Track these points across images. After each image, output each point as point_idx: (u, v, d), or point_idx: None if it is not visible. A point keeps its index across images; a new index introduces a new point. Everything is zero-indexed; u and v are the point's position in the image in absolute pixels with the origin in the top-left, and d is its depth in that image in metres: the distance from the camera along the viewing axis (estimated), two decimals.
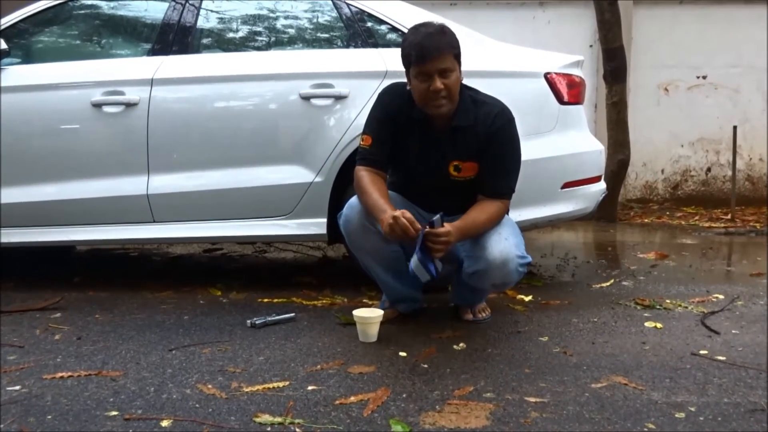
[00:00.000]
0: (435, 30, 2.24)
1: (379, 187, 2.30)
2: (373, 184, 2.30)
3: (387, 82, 2.74)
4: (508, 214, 2.44)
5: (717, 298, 3.01)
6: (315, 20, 3.28)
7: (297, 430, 1.62)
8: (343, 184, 2.97)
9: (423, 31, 2.24)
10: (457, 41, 2.28)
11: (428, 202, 2.48)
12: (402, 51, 2.29)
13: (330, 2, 3.21)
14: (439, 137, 2.37)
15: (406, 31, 2.83)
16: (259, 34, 3.30)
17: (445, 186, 2.42)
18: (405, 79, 2.35)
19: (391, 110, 2.37)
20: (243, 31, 3.30)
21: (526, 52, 3.28)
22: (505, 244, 2.25)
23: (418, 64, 2.23)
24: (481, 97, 2.40)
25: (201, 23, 3.21)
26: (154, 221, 3.06)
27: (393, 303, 2.60)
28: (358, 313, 2.34)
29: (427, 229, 2.13)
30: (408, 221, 2.09)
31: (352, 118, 2.95)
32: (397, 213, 2.11)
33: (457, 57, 2.27)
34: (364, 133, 2.40)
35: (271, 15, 3.30)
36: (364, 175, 2.33)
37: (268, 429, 1.63)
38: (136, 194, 3.03)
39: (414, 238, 2.12)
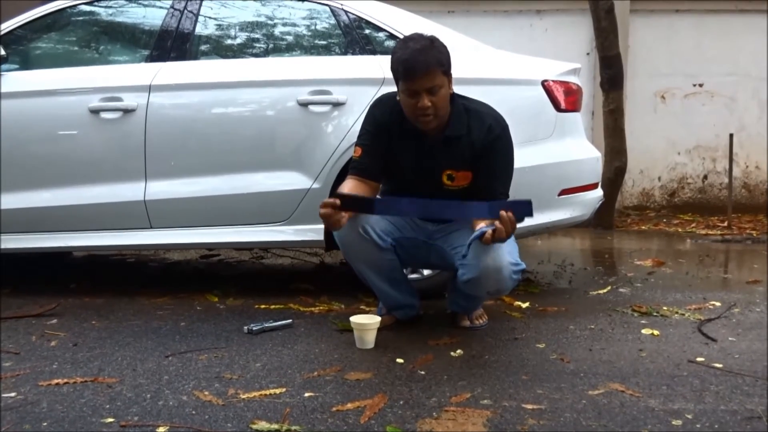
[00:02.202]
0: (423, 46, 2.22)
1: (351, 189, 2.32)
2: (347, 186, 2.34)
3: (384, 89, 2.75)
4: None
5: (714, 305, 3.02)
6: (313, 27, 3.29)
7: None
8: None
9: (411, 47, 2.22)
10: (446, 56, 2.26)
11: None
12: (391, 66, 2.28)
13: (328, 9, 3.21)
14: (431, 147, 2.37)
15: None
16: (257, 40, 3.31)
17: (438, 195, 2.41)
18: None
19: (382, 122, 2.38)
20: (241, 37, 3.31)
21: (523, 59, 3.29)
22: (497, 252, 2.24)
23: (405, 81, 2.23)
24: (474, 105, 2.40)
25: (199, 30, 3.22)
26: (151, 227, 3.05)
27: (390, 310, 2.60)
28: (355, 319, 2.34)
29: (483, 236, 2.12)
30: (326, 204, 2.10)
31: (350, 124, 2.96)
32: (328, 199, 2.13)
33: (447, 72, 2.26)
34: (356, 144, 2.43)
35: (270, 22, 3.31)
36: (346, 181, 2.38)
37: None
38: (134, 200, 3.02)
39: (333, 223, 2.13)
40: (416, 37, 2.27)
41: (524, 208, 2.12)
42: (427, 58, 2.20)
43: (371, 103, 2.48)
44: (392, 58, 2.28)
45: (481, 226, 2.16)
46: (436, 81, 2.21)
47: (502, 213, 2.09)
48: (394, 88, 2.43)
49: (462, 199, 2.39)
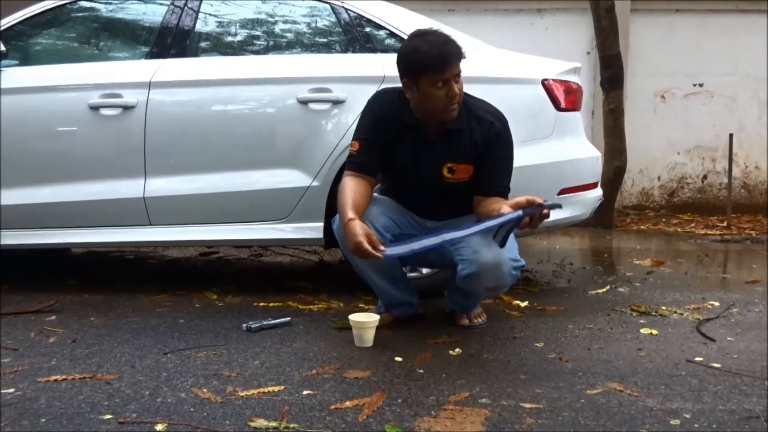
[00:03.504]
0: (445, 38, 2.26)
1: (354, 189, 2.31)
2: (348, 186, 2.32)
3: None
4: None
5: (712, 305, 3.02)
6: (313, 25, 3.29)
7: None
8: None
9: (434, 39, 2.24)
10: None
11: (422, 206, 2.49)
12: (413, 62, 2.25)
13: (329, 7, 3.21)
14: (432, 141, 2.39)
15: (404, 36, 2.85)
16: (258, 38, 3.30)
17: (438, 189, 2.43)
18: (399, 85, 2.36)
19: (381, 116, 2.38)
20: (241, 34, 3.30)
21: (523, 58, 3.29)
22: (497, 248, 2.25)
23: (438, 72, 2.22)
24: (474, 101, 2.42)
25: (199, 27, 3.21)
26: (150, 224, 3.05)
27: (388, 308, 2.60)
28: (354, 317, 2.34)
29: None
30: (371, 246, 2.13)
31: (350, 122, 2.95)
32: (359, 238, 2.13)
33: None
34: (353, 138, 2.42)
35: (270, 19, 3.31)
36: (346, 180, 2.36)
37: None
38: (133, 197, 3.02)
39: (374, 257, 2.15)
40: (430, 32, 2.30)
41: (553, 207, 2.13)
42: (454, 47, 2.25)
43: (371, 97, 2.46)
44: (414, 55, 2.25)
45: (508, 210, 2.11)
46: (460, 68, 2.27)
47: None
48: (385, 87, 2.44)
49: (462, 192, 2.40)
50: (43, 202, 3.05)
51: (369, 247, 2.13)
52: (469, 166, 2.39)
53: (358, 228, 2.16)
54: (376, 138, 2.38)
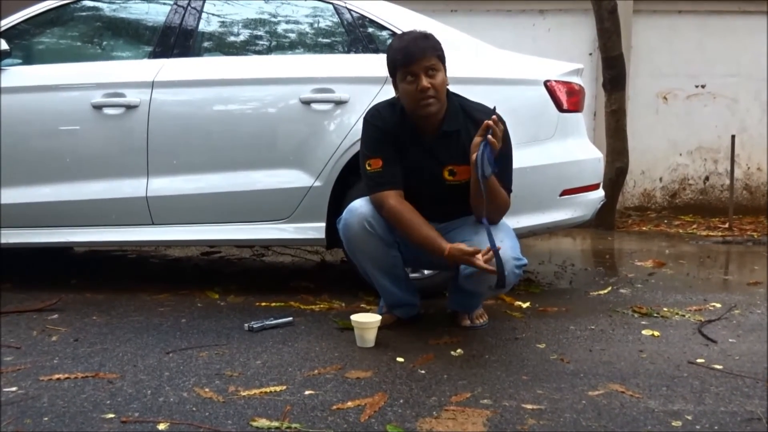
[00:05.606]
0: (419, 35, 2.33)
1: (415, 212, 2.32)
2: (408, 211, 2.31)
3: (387, 88, 2.75)
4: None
5: (714, 306, 3.02)
6: (316, 25, 3.29)
7: None
8: (342, 189, 2.97)
9: (407, 37, 2.34)
10: (440, 45, 2.33)
11: (424, 209, 2.48)
12: (388, 58, 2.35)
13: (331, 7, 3.21)
14: (431, 144, 2.39)
15: None
16: (261, 38, 3.31)
17: (440, 192, 2.43)
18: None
19: (385, 128, 2.38)
20: (244, 34, 3.30)
21: (525, 59, 3.29)
22: (501, 246, 2.26)
23: (404, 65, 2.28)
24: (470, 103, 2.44)
25: (202, 26, 3.22)
26: (152, 223, 3.06)
27: (391, 308, 2.60)
28: (355, 318, 2.34)
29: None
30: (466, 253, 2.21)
31: (352, 123, 2.96)
32: (462, 247, 2.22)
33: (442, 59, 2.32)
34: (369, 157, 2.36)
35: (273, 19, 3.31)
36: (398, 207, 2.31)
37: None
38: (135, 196, 3.03)
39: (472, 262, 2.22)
40: (410, 31, 2.39)
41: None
42: (424, 44, 2.29)
43: (365, 117, 2.44)
44: (389, 52, 2.35)
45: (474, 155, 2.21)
46: (432, 62, 2.28)
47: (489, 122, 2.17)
48: (376, 104, 2.45)
49: (464, 194, 2.40)
50: (46, 201, 3.06)
51: (479, 262, 2.18)
52: (470, 167, 2.39)
53: (463, 249, 2.21)
54: (392, 149, 2.38)
